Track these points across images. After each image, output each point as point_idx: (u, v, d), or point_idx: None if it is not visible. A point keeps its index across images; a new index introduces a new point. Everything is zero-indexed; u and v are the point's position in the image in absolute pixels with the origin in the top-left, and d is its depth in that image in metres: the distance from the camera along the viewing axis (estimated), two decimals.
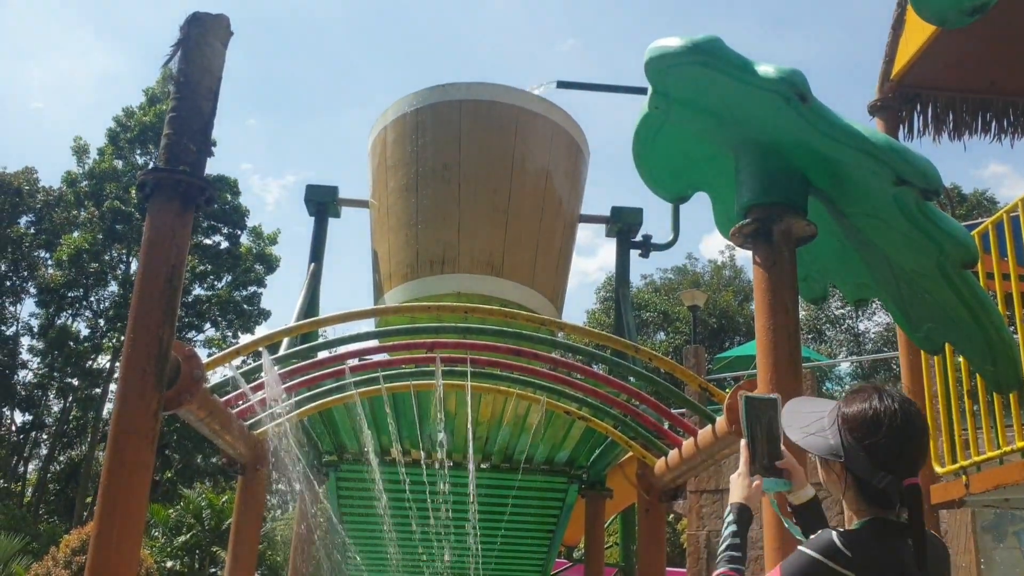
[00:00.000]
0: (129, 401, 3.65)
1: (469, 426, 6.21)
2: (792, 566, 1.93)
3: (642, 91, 4.09)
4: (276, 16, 70.60)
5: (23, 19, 53.92)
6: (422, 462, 7.01)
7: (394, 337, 6.16)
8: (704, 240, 62.72)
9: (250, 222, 32.15)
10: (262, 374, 5.29)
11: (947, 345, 4.67)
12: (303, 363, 5.80)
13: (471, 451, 6.40)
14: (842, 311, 34.97)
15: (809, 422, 2.10)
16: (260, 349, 5.38)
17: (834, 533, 1.92)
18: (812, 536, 2.01)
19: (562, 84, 9.65)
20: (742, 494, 2.25)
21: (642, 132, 4.10)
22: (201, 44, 4.06)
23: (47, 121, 56.72)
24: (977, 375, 4.57)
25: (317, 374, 5.82)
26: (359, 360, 6.01)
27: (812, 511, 2.26)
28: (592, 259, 61.75)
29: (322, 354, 5.94)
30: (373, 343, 6.09)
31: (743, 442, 2.27)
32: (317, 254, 8.78)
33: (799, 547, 1.96)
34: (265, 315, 31.88)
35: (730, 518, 2.22)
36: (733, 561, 2.14)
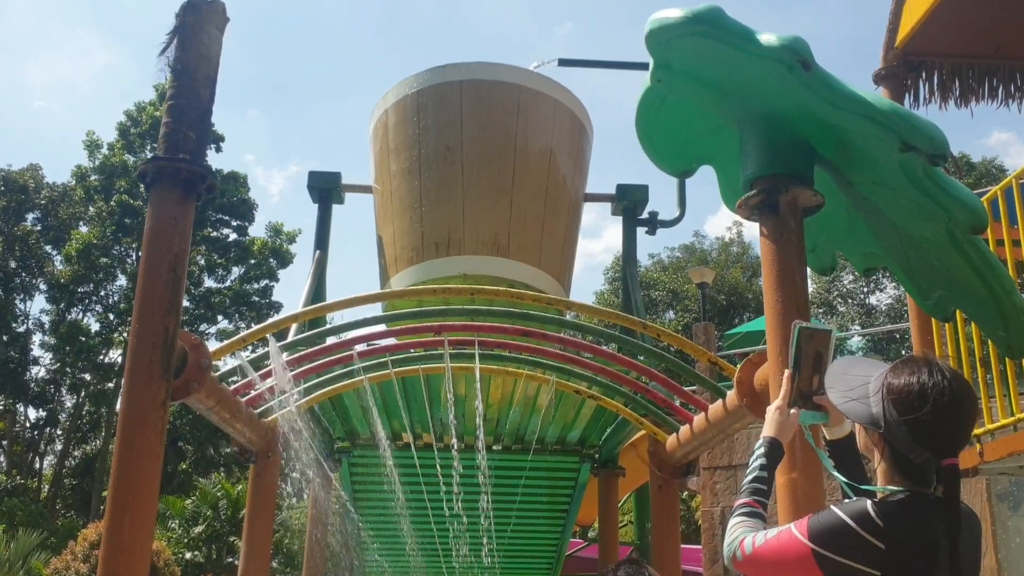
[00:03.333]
0: (137, 391, 3.65)
1: (479, 408, 6.20)
2: (821, 523, 1.89)
3: (644, 67, 4.04)
4: (274, 3, 70.42)
5: (23, 18, 53.91)
6: (434, 446, 7.01)
7: (401, 321, 6.16)
8: (710, 220, 62.60)
9: (256, 214, 32.16)
10: (269, 361, 5.28)
11: (958, 312, 4.63)
12: (311, 349, 5.80)
13: (482, 433, 6.39)
14: (853, 286, 34.85)
15: (853, 385, 2.01)
16: (267, 336, 5.37)
17: (869, 502, 1.88)
18: (848, 500, 1.97)
19: (563, 62, 9.61)
20: (776, 427, 2.21)
21: (645, 106, 4.05)
22: (197, 31, 4.04)
23: (50, 119, 56.85)
24: (989, 342, 4.53)
25: (325, 360, 5.81)
26: (367, 345, 6.00)
27: (847, 447, 2.22)
28: (598, 241, 61.66)
29: (330, 340, 5.93)
30: (381, 327, 6.07)
31: (786, 372, 2.25)
32: (322, 241, 8.76)
33: (832, 506, 1.92)
34: (276, 308, 31.94)
35: (760, 451, 2.18)
36: (757, 494, 2.11)
